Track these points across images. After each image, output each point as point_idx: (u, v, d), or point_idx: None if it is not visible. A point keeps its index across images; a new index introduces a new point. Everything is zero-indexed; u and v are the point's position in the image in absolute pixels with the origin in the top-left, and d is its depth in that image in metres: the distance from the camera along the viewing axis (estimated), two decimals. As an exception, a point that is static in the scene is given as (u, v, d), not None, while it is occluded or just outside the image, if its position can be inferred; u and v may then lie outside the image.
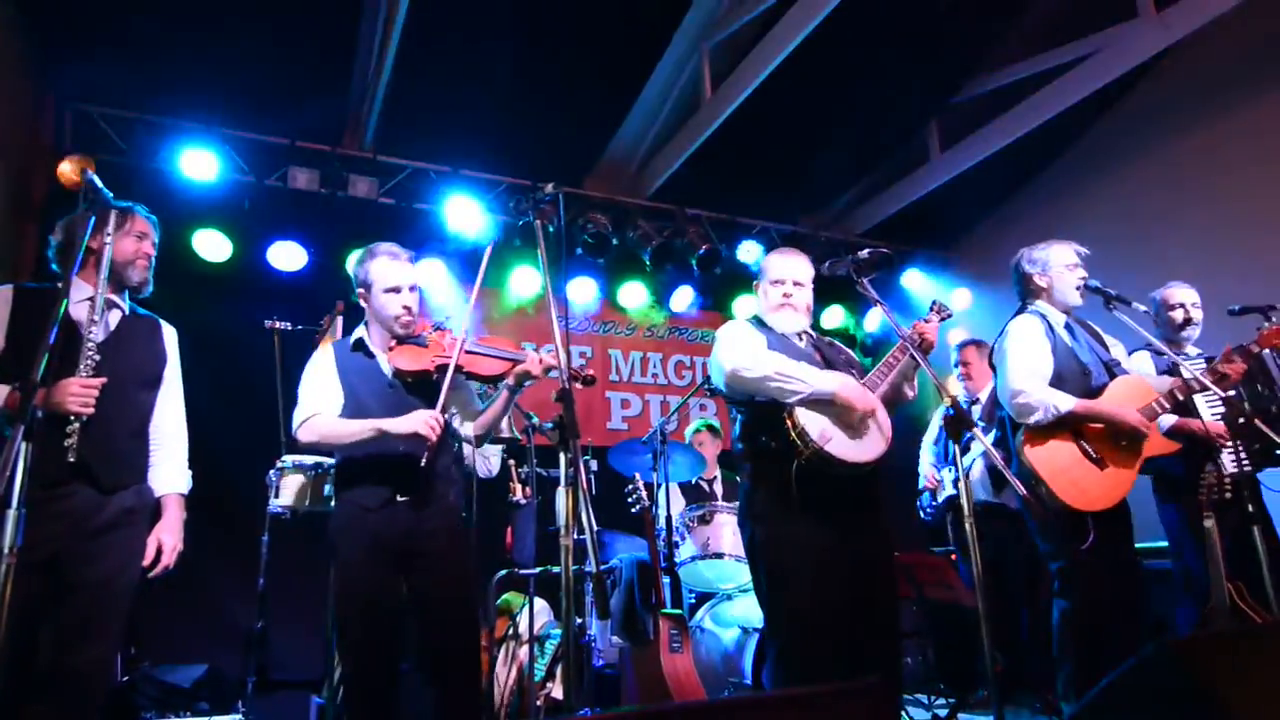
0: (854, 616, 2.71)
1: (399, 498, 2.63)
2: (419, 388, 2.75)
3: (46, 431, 1.93)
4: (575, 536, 1.99)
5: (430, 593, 2.65)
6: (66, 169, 4.60)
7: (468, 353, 2.74)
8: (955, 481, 4.58)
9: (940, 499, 4.73)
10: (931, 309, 3.10)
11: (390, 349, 2.79)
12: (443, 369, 2.66)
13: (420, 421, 2.57)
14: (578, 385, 2.62)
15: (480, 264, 2.72)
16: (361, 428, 2.63)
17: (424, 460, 2.55)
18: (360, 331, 2.89)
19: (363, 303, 2.88)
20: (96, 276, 2.51)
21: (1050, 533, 3.13)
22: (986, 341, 4.88)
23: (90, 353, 2.31)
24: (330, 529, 2.73)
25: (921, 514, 4.89)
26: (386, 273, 2.81)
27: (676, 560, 4.29)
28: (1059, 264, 3.35)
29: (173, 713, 3.87)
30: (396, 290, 2.80)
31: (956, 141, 6.32)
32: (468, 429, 2.91)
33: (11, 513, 1.74)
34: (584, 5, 4.90)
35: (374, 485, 2.65)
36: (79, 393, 2.23)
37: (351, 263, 2.94)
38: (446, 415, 2.69)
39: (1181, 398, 3.22)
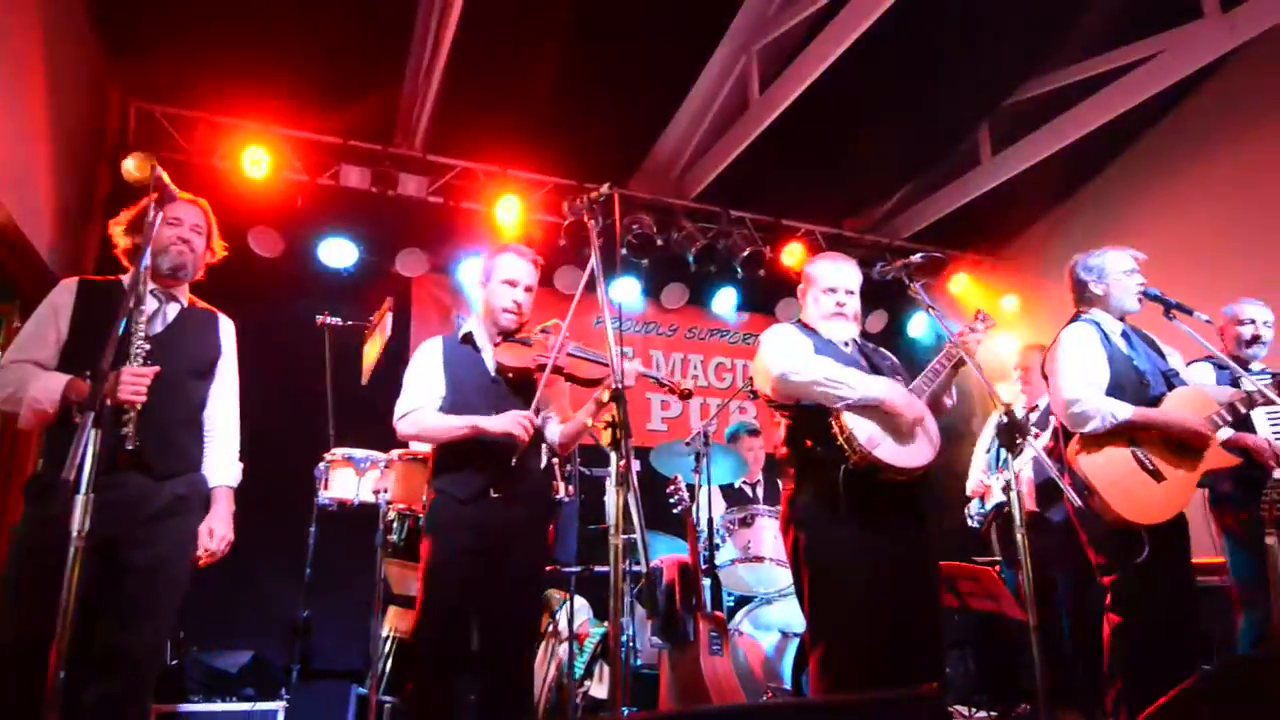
0: (898, 624, 2.68)
1: (492, 493, 2.71)
2: (520, 385, 2.82)
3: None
4: (624, 536, 1.99)
5: (503, 588, 2.70)
6: (132, 165, 4.77)
7: (569, 355, 2.80)
8: (1004, 488, 4.51)
9: (988, 506, 4.65)
10: (975, 318, 3.05)
11: (496, 345, 2.86)
12: (543, 368, 2.72)
13: (513, 422, 2.65)
14: (675, 398, 2.77)
15: (582, 275, 2.78)
16: (459, 424, 2.72)
17: (514, 461, 2.63)
18: (470, 325, 2.98)
19: (481, 290, 2.97)
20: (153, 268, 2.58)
21: (1104, 545, 3.06)
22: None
23: (140, 343, 2.36)
24: (426, 517, 2.82)
25: (969, 521, 4.81)
26: (509, 265, 2.93)
27: (716, 563, 4.27)
28: (1116, 270, 3.27)
29: (219, 697, 3.95)
30: (513, 284, 2.90)
31: (1008, 144, 6.21)
32: (555, 435, 2.96)
33: (80, 497, 1.80)
34: (633, 6, 4.91)
35: (467, 478, 2.73)
36: (130, 382, 2.27)
37: (481, 258, 3.07)
38: (540, 416, 2.77)
39: (1243, 410, 3.13)
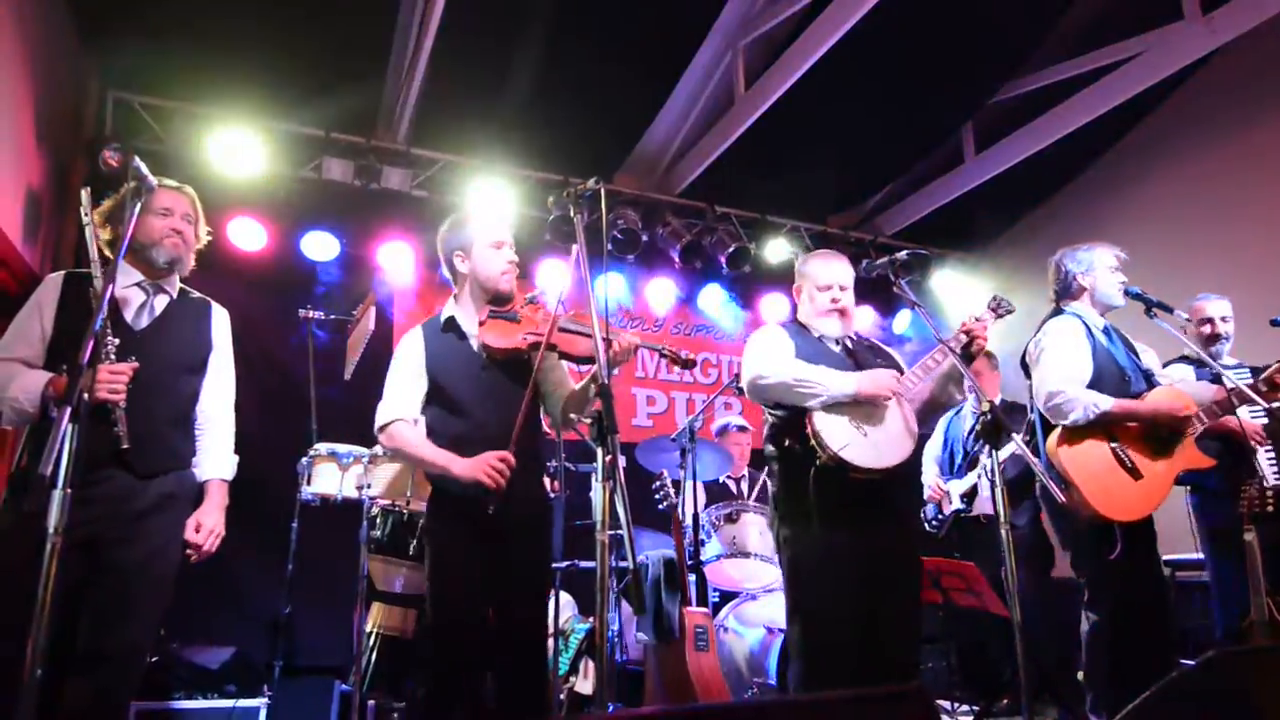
0: (872, 618, 2.68)
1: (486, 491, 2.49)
2: (512, 367, 2.62)
3: (88, 418, 1.94)
4: (610, 532, 1.98)
5: (510, 583, 2.58)
6: (110, 155, 4.70)
7: (561, 330, 2.57)
8: (963, 495, 4.53)
9: (946, 512, 4.64)
10: (989, 305, 3.01)
11: (480, 324, 2.63)
12: (535, 346, 2.52)
13: (482, 467, 2.44)
14: (676, 367, 2.64)
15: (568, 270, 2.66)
16: (433, 459, 2.54)
17: (490, 509, 2.40)
18: (450, 309, 2.74)
19: (460, 265, 2.74)
20: (138, 260, 2.54)
21: (1078, 540, 3.10)
22: (994, 352, 4.79)
23: (110, 339, 2.29)
24: (426, 513, 2.71)
25: (926, 526, 4.80)
26: (490, 229, 2.75)
27: (702, 558, 4.28)
28: (1103, 265, 3.31)
29: (200, 694, 3.92)
30: (499, 245, 2.73)
31: (991, 143, 6.24)
32: (555, 411, 2.81)
33: (57, 493, 1.77)
34: (620, 1, 4.90)
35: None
36: (107, 380, 2.22)
37: (441, 234, 2.81)
38: (528, 418, 2.54)
39: (1221, 412, 3.15)
